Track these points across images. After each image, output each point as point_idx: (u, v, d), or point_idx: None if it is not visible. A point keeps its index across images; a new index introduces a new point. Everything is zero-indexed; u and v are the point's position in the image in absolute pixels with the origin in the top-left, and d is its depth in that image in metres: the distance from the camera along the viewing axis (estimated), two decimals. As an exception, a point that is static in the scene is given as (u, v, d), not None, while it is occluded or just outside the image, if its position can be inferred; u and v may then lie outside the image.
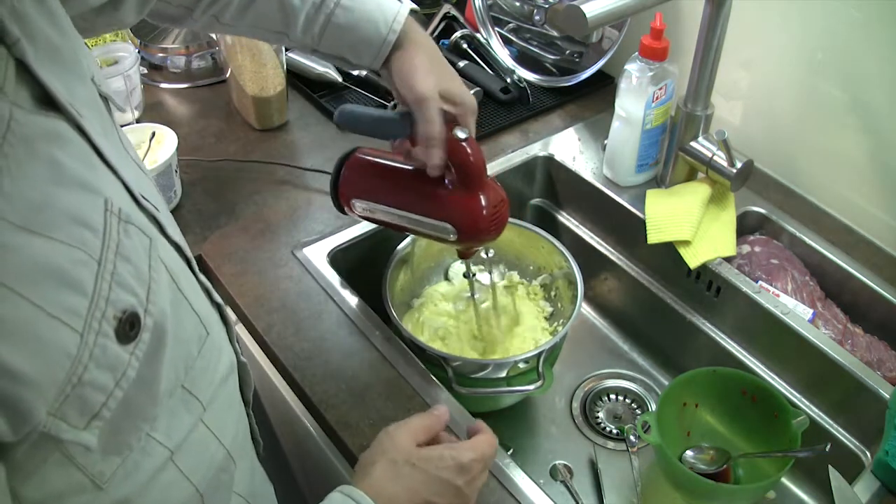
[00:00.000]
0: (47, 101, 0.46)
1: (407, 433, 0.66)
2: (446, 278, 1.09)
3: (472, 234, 0.82)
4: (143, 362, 0.48)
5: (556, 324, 1.04)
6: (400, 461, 0.63)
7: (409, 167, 0.83)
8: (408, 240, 1.01)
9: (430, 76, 0.76)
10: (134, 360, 0.47)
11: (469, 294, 1.01)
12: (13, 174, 0.40)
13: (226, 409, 0.65)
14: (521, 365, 0.91)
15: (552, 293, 1.06)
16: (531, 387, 0.89)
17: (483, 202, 0.80)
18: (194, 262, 0.63)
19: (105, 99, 0.56)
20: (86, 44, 0.60)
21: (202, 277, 0.64)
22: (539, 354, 0.90)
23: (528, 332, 1.02)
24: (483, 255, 0.95)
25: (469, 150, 0.77)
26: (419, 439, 0.66)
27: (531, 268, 1.08)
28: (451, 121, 0.78)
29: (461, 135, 0.76)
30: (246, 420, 0.75)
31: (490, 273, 1.02)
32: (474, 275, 0.99)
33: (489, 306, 1.02)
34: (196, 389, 0.58)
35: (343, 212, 0.89)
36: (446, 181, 0.81)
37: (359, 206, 0.87)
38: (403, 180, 0.84)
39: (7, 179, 0.40)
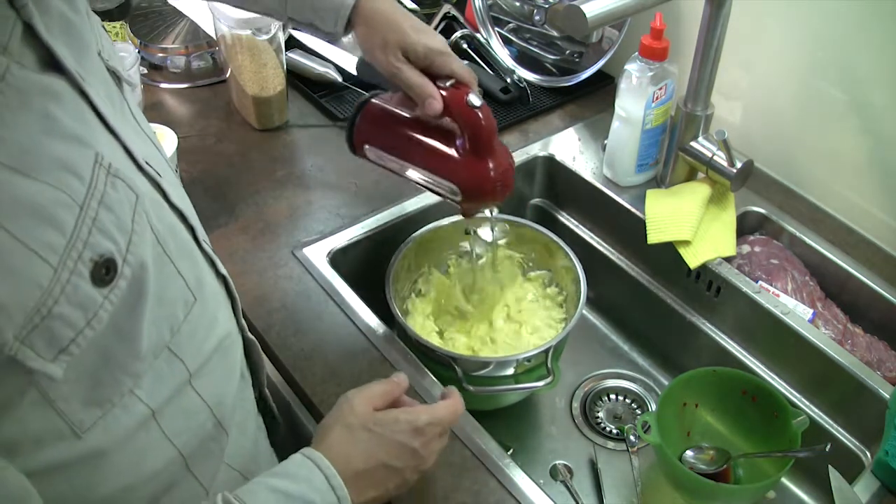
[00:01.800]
0: (53, 64, 0.49)
1: (364, 398, 0.68)
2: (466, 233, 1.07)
3: (477, 196, 0.83)
4: (120, 311, 0.51)
5: (561, 319, 1.04)
6: (356, 425, 0.65)
7: (423, 120, 0.84)
8: (410, 242, 1.01)
9: (387, 48, 0.79)
10: (108, 304, 0.49)
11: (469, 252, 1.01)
12: (5, 121, 0.44)
13: (221, 380, 0.66)
14: (527, 362, 0.91)
15: (555, 286, 1.06)
16: (541, 383, 0.89)
17: (490, 167, 0.81)
18: (200, 231, 0.65)
19: (114, 73, 0.60)
20: (103, 26, 0.64)
21: (207, 248, 0.66)
22: (547, 350, 0.90)
23: (535, 328, 1.02)
24: (486, 212, 0.94)
25: (481, 117, 0.79)
26: (377, 404, 0.68)
27: (532, 263, 1.09)
28: (463, 85, 0.80)
29: (475, 102, 0.78)
30: (251, 397, 0.76)
31: (492, 230, 1.00)
32: (475, 231, 0.99)
33: (488, 262, 1.01)
34: (182, 353, 0.59)
35: (356, 153, 0.90)
36: (457, 141, 0.81)
37: (370, 152, 0.88)
38: (415, 134, 0.84)
39: None
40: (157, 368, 0.57)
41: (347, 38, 0.86)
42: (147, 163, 0.58)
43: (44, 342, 0.46)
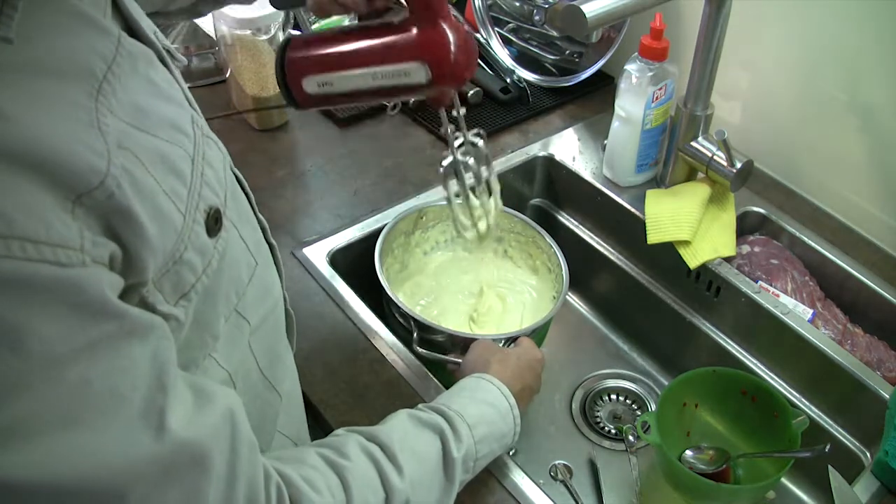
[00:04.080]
0: (134, 36, 0.52)
1: (495, 346, 0.88)
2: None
3: (444, 66, 0.73)
4: (215, 267, 0.53)
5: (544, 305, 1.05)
6: (506, 359, 0.84)
7: (355, 25, 0.76)
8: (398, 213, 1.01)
9: None
10: (216, 253, 0.53)
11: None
12: (123, 83, 0.47)
13: (272, 343, 0.69)
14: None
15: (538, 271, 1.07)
16: None
17: (449, 28, 0.72)
18: (253, 199, 0.68)
19: (168, 52, 0.62)
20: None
21: (260, 216, 0.69)
22: (505, 339, 0.91)
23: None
24: (454, 113, 0.83)
25: None
26: (510, 350, 0.88)
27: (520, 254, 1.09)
28: None
29: None
30: (293, 367, 0.77)
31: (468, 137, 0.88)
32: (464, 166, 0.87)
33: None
34: (248, 315, 0.62)
35: (296, 103, 0.79)
36: (403, 21, 0.73)
37: (313, 84, 0.77)
38: (353, 38, 0.75)
39: (119, 86, 0.46)
40: (228, 332, 0.59)
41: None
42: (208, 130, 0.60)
43: (171, 286, 0.48)
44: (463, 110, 0.83)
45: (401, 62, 0.73)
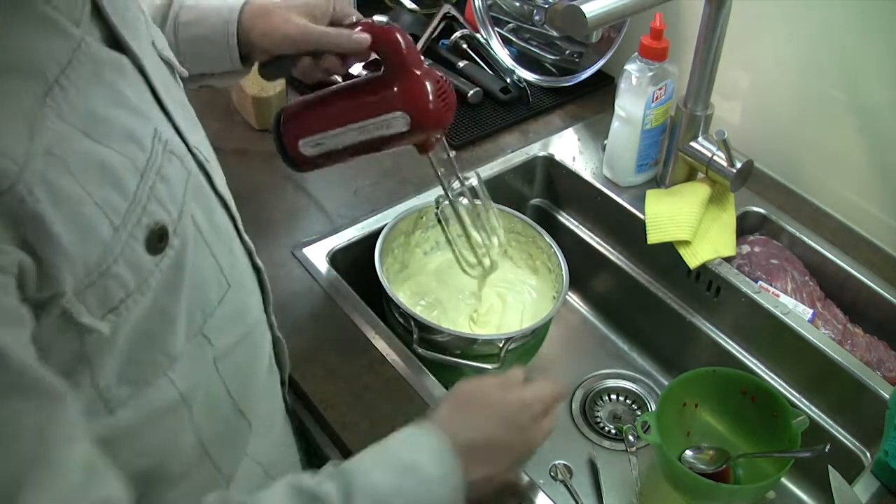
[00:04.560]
0: (115, 44, 0.53)
1: (475, 383, 0.69)
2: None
3: (423, 113, 0.79)
4: (163, 285, 0.53)
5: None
6: (465, 402, 0.67)
7: (338, 87, 0.83)
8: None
9: (291, 20, 0.78)
10: (157, 272, 0.52)
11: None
12: (79, 88, 0.47)
13: (246, 369, 0.67)
14: (483, 348, 0.92)
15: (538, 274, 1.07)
16: (487, 366, 0.90)
17: (423, 77, 0.78)
18: (240, 222, 0.68)
19: (168, 63, 0.63)
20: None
21: (246, 238, 0.68)
22: (502, 340, 0.91)
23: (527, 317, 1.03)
24: (444, 155, 0.89)
25: (393, 30, 0.78)
26: (488, 387, 0.69)
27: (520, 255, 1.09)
28: (363, 21, 0.80)
29: (383, 20, 0.77)
30: (279, 393, 0.77)
31: (459, 177, 0.94)
32: (458, 194, 0.94)
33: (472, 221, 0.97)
34: (214, 339, 0.61)
35: (296, 165, 0.87)
36: (383, 77, 0.79)
37: (308, 147, 0.84)
38: (338, 99, 0.83)
39: (73, 90, 0.46)
40: (190, 353, 0.58)
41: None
42: (196, 147, 0.60)
43: (96, 299, 0.48)
44: (453, 153, 0.90)
45: (382, 115, 0.79)
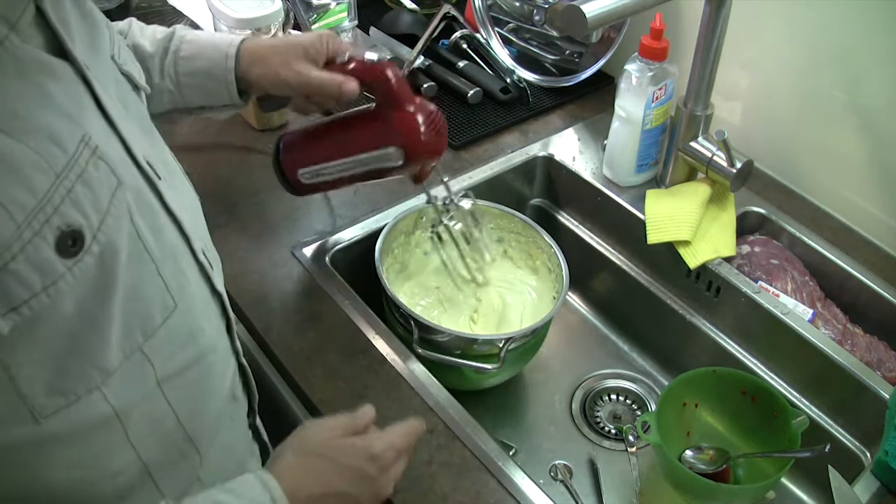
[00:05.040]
0: (59, 51, 0.53)
1: (322, 427, 0.66)
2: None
3: (416, 146, 0.82)
4: (87, 293, 0.52)
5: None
6: (310, 451, 0.64)
7: (334, 119, 0.87)
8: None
9: (291, 63, 0.82)
10: (70, 276, 0.50)
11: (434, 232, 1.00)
12: (0, 85, 0.47)
13: (198, 395, 0.65)
14: (482, 348, 0.92)
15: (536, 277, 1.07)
16: (487, 366, 0.90)
17: (415, 111, 0.81)
18: (199, 242, 0.66)
19: (129, 78, 0.63)
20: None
21: (203, 259, 0.66)
22: (502, 340, 0.91)
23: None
24: (441, 178, 0.93)
25: (384, 67, 0.81)
26: (335, 434, 0.66)
27: (520, 254, 1.10)
28: (355, 59, 0.84)
29: (374, 57, 0.82)
30: (243, 421, 0.75)
31: (453, 198, 0.97)
32: (449, 215, 0.96)
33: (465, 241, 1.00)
34: (156, 359, 0.59)
35: (295, 191, 0.92)
36: (377, 111, 0.83)
37: (306, 176, 0.89)
38: (334, 131, 0.87)
39: None
40: (128, 370, 0.57)
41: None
42: (147, 162, 0.59)
43: None
44: (447, 178, 0.95)
45: (377, 149, 0.83)
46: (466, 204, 0.97)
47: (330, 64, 0.84)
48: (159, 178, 0.60)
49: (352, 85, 0.81)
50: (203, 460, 0.67)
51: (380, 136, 0.82)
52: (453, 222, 0.97)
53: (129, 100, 0.61)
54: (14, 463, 0.52)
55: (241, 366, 0.75)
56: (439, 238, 1.00)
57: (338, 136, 0.86)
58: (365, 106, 0.86)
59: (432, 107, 0.83)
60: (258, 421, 0.82)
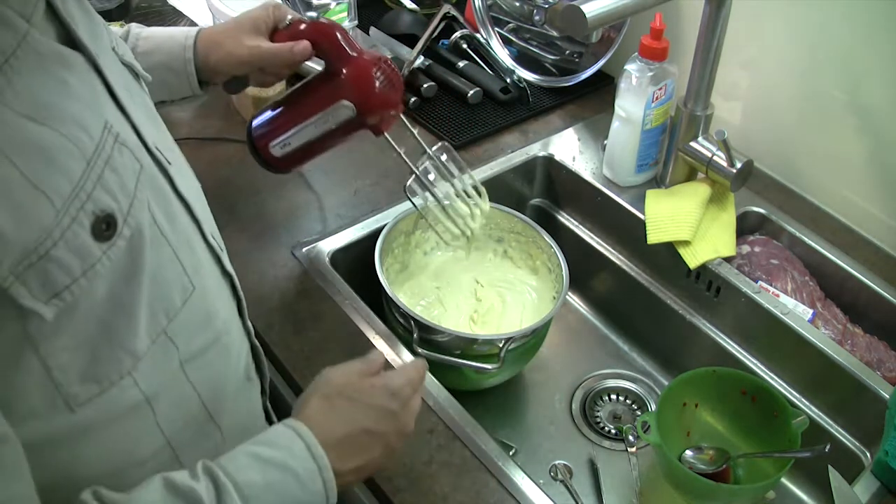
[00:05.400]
0: (71, 42, 0.54)
1: (339, 372, 0.68)
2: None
3: (368, 96, 0.83)
4: (118, 278, 0.53)
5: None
6: (333, 394, 0.65)
7: (294, 88, 0.89)
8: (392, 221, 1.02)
9: (244, 39, 0.86)
10: (106, 259, 0.51)
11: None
12: (23, 77, 0.48)
13: (218, 375, 0.67)
14: (482, 348, 0.92)
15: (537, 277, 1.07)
16: (487, 366, 0.90)
17: (362, 62, 0.83)
18: (208, 226, 0.67)
19: (130, 68, 0.64)
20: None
21: (214, 243, 0.68)
22: (502, 340, 0.91)
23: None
24: (411, 132, 0.92)
25: (327, 22, 0.84)
26: (353, 377, 0.68)
27: (520, 255, 1.09)
28: (297, 20, 0.87)
29: (313, 15, 0.84)
30: (258, 402, 0.76)
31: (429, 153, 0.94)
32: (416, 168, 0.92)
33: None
34: (178, 339, 0.60)
35: (273, 167, 0.92)
36: (325, 72, 0.85)
37: (276, 149, 0.90)
38: (293, 99, 0.89)
39: (17, 78, 0.47)
40: (154, 354, 0.58)
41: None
42: (157, 148, 0.60)
43: (38, 282, 0.48)
44: (416, 130, 0.93)
45: (329, 106, 0.84)
46: (443, 155, 0.95)
47: (277, 31, 0.88)
48: (169, 164, 0.62)
49: (302, 45, 0.84)
50: (225, 440, 0.68)
51: (333, 93, 0.84)
52: (433, 176, 0.94)
53: (133, 89, 0.63)
54: (49, 457, 0.52)
55: (253, 346, 0.76)
56: (413, 195, 0.94)
57: (296, 102, 0.88)
58: (320, 70, 0.87)
59: (381, 55, 0.84)
60: (268, 404, 0.83)
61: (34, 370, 0.50)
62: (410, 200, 0.93)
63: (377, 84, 0.83)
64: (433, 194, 0.93)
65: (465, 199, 0.95)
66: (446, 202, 0.94)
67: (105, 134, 0.52)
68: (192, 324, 0.62)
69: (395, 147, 0.89)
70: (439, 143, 0.95)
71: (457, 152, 0.96)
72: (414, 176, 0.91)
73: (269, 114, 0.91)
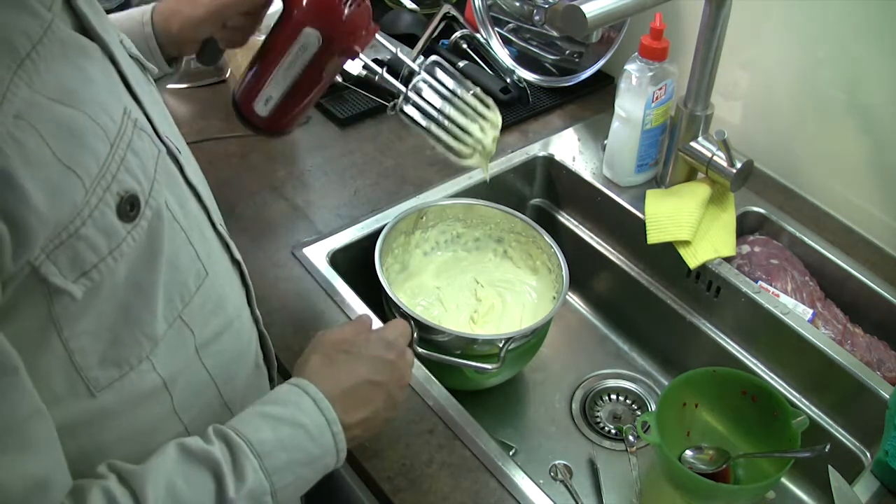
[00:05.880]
0: (85, 32, 0.55)
1: (334, 331, 0.72)
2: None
3: (329, 18, 0.79)
4: (139, 260, 0.54)
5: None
6: (331, 351, 0.68)
7: (263, 42, 0.85)
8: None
9: (197, 29, 0.84)
10: (130, 239, 0.53)
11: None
12: (49, 64, 0.48)
13: (231, 361, 0.68)
14: (483, 348, 0.92)
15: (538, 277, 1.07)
16: (487, 366, 0.90)
17: None
18: (216, 214, 0.68)
19: (137, 60, 0.65)
20: None
21: (222, 230, 0.69)
22: (502, 340, 0.91)
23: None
24: (393, 51, 0.87)
25: None
26: (347, 333, 0.72)
27: (520, 255, 1.09)
28: None
29: None
30: (266, 390, 0.77)
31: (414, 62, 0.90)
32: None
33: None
34: (194, 326, 0.61)
35: (266, 131, 0.88)
36: (285, 11, 0.81)
37: (262, 106, 0.86)
38: (263, 50, 0.84)
39: (43, 65, 0.48)
40: (171, 338, 0.59)
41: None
42: (167, 136, 0.61)
43: (68, 260, 0.49)
44: (397, 49, 0.88)
45: (295, 43, 0.80)
46: (437, 70, 0.90)
47: None
48: (179, 152, 0.63)
49: None
50: None
51: (296, 26, 0.80)
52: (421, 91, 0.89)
53: (142, 81, 0.64)
54: (70, 444, 0.53)
55: (261, 334, 0.77)
56: (403, 113, 0.89)
57: (264, 52, 0.84)
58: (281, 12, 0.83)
59: None
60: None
61: (58, 353, 0.51)
62: (414, 121, 0.86)
63: (342, 8, 0.78)
64: (426, 113, 0.87)
65: (471, 115, 0.89)
66: (447, 121, 0.87)
67: (125, 119, 0.54)
68: (206, 309, 0.63)
69: (377, 68, 0.85)
70: (429, 58, 0.89)
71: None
72: (402, 96, 0.85)
73: (245, 78, 0.87)
